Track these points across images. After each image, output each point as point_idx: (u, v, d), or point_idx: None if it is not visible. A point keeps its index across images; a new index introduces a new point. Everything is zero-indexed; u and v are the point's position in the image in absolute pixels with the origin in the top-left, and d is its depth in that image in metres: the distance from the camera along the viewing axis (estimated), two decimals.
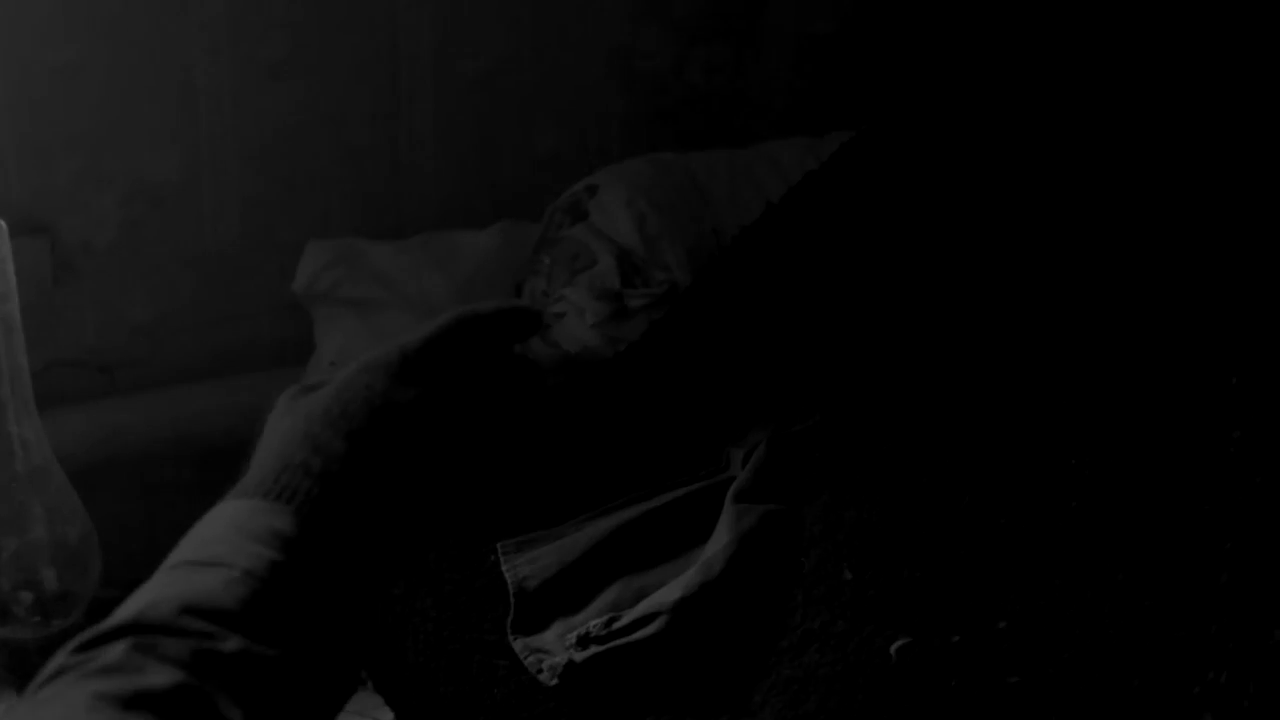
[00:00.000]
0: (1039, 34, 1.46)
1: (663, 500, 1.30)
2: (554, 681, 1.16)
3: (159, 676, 0.68)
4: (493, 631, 1.23)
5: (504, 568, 1.27)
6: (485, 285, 1.74)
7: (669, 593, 1.19)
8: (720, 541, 1.21)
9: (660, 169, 1.75)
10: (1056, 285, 1.26)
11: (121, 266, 1.73)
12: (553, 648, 1.20)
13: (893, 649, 1.05)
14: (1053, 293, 1.26)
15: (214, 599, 0.74)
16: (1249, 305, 1.13)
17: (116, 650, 0.68)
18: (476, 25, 1.82)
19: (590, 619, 1.20)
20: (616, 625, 1.19)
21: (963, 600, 1.06)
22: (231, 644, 0.72)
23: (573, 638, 1.19)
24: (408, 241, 1.76)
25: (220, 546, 0.80)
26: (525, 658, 1.19)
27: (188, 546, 0.81)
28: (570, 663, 1.17)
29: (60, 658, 0.68)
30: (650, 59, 1.93)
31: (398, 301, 1.71)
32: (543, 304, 1.66)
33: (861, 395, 1.29)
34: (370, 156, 1.82)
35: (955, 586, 1.07)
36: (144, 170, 1.70)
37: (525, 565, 1.27)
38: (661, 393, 1.41)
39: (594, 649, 1.17)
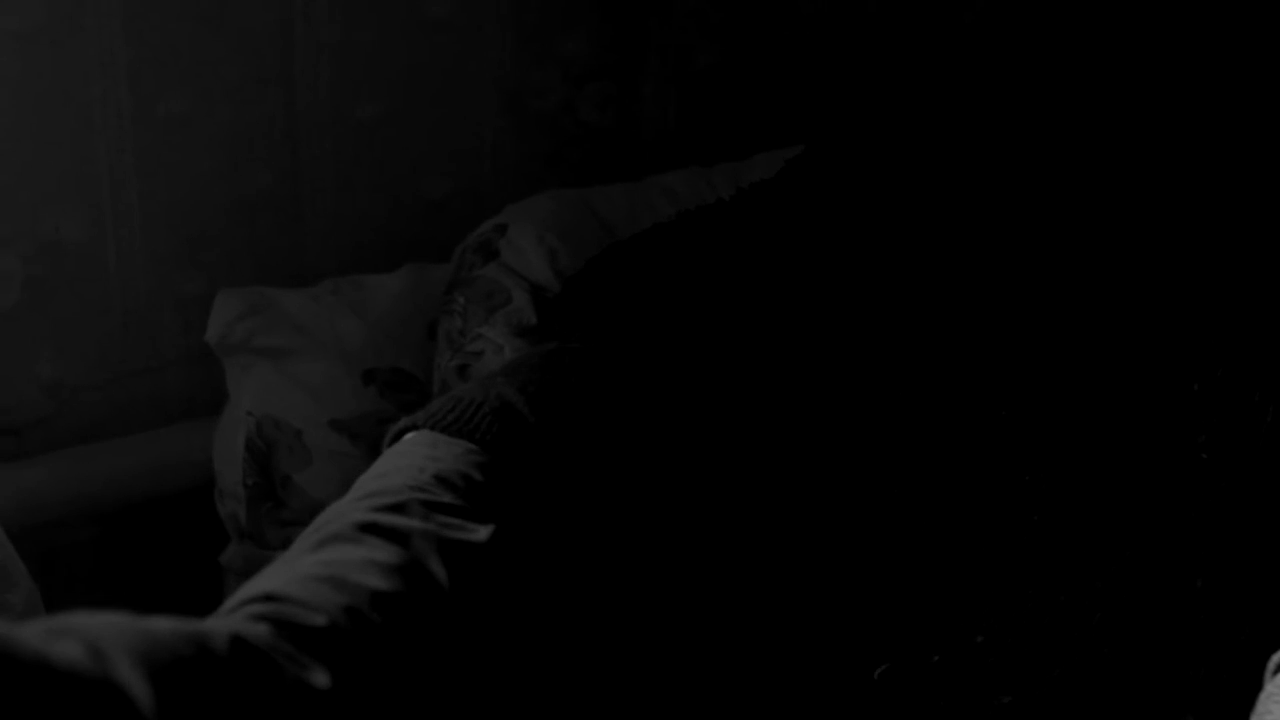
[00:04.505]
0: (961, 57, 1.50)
1: None
2: None
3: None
4: None
5: None
6: (399, 326, 1.75)
7: None
8: None
9: (565, 205, 1.78)
10: (1008, 295, 1.28)
11: (27, 326, 1.71)
12: None
13: (876, 674, 1.08)
14: (1004, 301, 1.28)
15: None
16: (1206, 311, 1.17)
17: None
18: (372, 71, 1.83)
19: None
20: None
21: (935, 620, 1.08)
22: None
23: None
24: (317, 288, 1.76)
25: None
26: None
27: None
28: None
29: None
30: (542, 98, 1.96)
31: (312, 348, 1.71)
32: (459, 343, 1.68)
33: (813, 426, 1.29)
34: (271, 206, 1.83)
35: (925, 607, 1.10)
36: (47, 228, 1.68)
37: None
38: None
39: None
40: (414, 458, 0.94)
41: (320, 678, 0.73)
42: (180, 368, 1.82)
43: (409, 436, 1.00)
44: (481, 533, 0.87)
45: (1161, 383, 1.13)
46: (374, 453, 1.70)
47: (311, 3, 1.77)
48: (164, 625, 0.71)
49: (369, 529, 0.84)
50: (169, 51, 1.69)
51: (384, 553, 0.83)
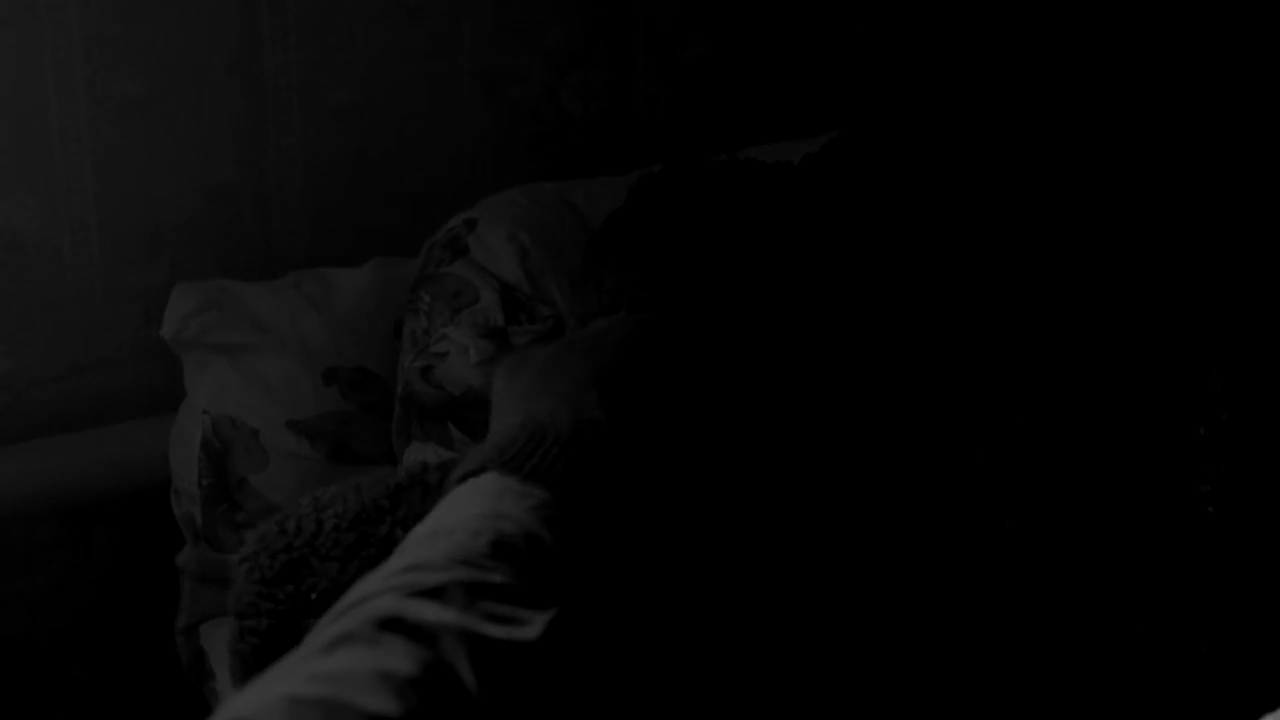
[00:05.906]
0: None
1: None
2: None
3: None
4: None
5: None
6: (363, 324, 1.69)
7: None
8: None
9: (539, 200, 1.71)
10: (996, 324, 1.19)
11: None
12: None
13: None
14: (991, 331, 1.18)
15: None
16: (1210, 355, 1.08)
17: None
18: (344, 56, 1.76)
19: None
20: None
21: (909, 691, 1.01)
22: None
23: None
24: (279, 282, 1.70)
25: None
26: None
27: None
28: None
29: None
30: (524, 85, 1.88)
31: (272, 345, 1.65)
32: (424, 343, 1.61)
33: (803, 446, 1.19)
34: (236, 195, 1.76)
35: (899, 675, 1.02)
36: (1, 217, 1.62)
37: None
38: None
39: None
40: (473, 514, 0.81)
41: None
42: (139, 362, 1.77)
43: (478, 480, 0.87)
44: (533, 626, 0.74)
45: (1163, 426, 1.03)
46: (334, 455, 1.66)
47: None
48: None
49: (391, 625, 0.72)
50: (126, 33, 1.63)
51: (402, 659, 0.70)
